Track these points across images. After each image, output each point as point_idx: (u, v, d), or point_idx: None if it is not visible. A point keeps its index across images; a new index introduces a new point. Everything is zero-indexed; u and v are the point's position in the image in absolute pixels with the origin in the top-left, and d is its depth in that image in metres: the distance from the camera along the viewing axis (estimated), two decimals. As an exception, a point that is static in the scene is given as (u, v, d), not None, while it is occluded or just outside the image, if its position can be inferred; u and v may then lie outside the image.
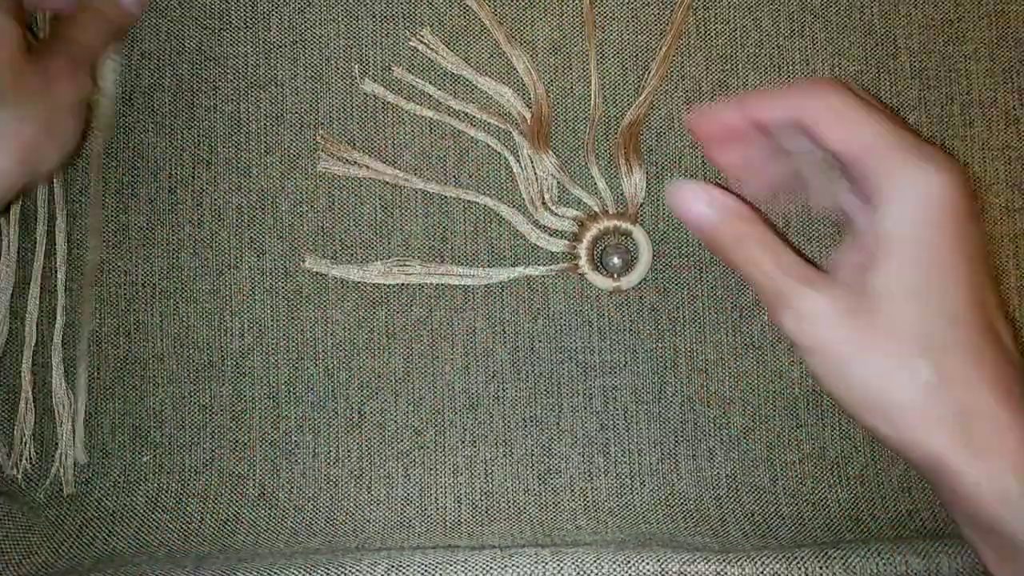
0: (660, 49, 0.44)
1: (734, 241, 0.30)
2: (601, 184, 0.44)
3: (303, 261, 0.44)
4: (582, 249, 0.43)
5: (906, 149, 0.28)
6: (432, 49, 0.45)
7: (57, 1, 0.37)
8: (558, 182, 0.44)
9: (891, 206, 0.28)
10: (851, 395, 0.28)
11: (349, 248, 0.45)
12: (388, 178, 0.44)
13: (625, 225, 0.43)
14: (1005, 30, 0.45)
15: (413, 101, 0.45)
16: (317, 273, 0.44)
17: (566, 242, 0.44)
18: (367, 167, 0.44)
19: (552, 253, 0.44)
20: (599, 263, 0.44)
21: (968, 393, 0.27)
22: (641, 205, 0.44)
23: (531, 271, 0.44)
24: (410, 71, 0.45)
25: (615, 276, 0.43)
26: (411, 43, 0.45)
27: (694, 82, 0.45)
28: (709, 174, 0.44)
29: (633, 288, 0.44)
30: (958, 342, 0.27)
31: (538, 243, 0.44)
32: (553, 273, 0.44)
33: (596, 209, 0.44)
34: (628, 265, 0.43)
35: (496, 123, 0.44)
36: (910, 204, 0.28)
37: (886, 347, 0.27)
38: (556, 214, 0.44)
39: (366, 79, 0.45)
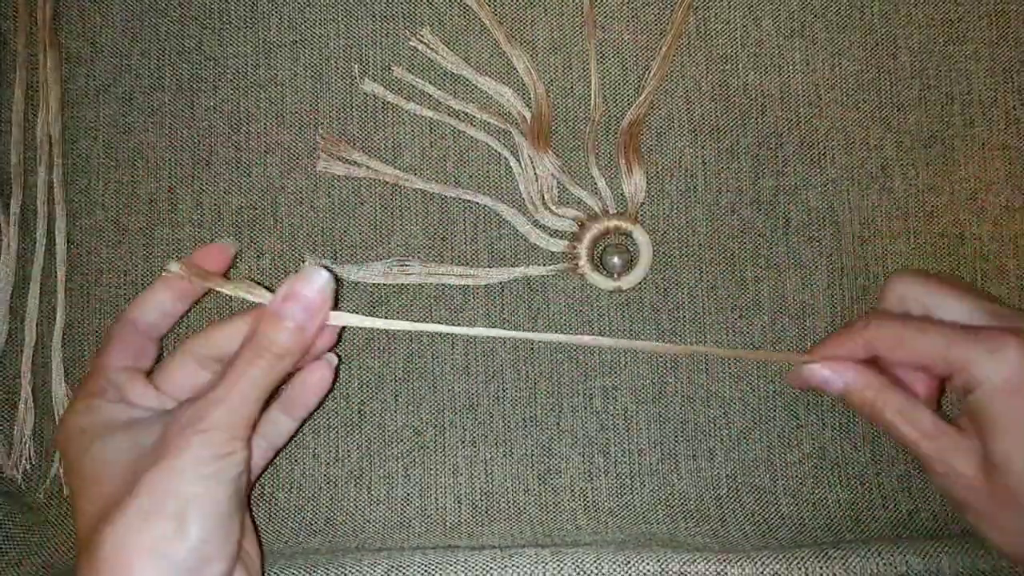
0: (660, 49, 0.44)
1: (880, 408, 0.33)
2: (601, 184, 0.44)
3: (303, 261, 0.44)
4: (582, 249, 0.43)
5: (969, 342, 0.31)
6: (432, 49, 0.45)
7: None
8: (558, 182, 0.44)
9: (977, 394, 0.31)
10: (1004, 538, 0.31)
11: (349, 248, 0.44)
12: (388, 178, 0.44)
13: (625, 225, 0.43)
14: (1005, 30, 0.45)
15: (413, 101, 0.45)
16: (317, 273, 0.44)
17: (566, 242, 0.44)
18: (367, 167, 0.44)
19: (552, 253, 0.44)
20: (599, 263, 0.44)
21: None
22: (641, 205, 0.44)
23: (531, 271, 0.44)
24: (410, 71, 0.45)
25: (615, 276, 0.43)
26: (411, 43, 0.45)
27: (694, 82, 0.45)
28: (709, 174, 0.44)
29: (633, 288, 0.43)
30: None
31: (538, 243, 0.44)
32: (553, 273, 0.44)
33: (596, 209, 0.44)
34: (628, 265, 0.43)
35: (496, 123, 0.44)
36: (993, 388, 0.30)
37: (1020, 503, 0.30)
38: (556, 214, 0.44)
39: (366, 79, 0.45)
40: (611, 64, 0.45)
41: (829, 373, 0.35)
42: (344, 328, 0.43)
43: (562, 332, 0.44)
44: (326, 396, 0.37)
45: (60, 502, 0.43)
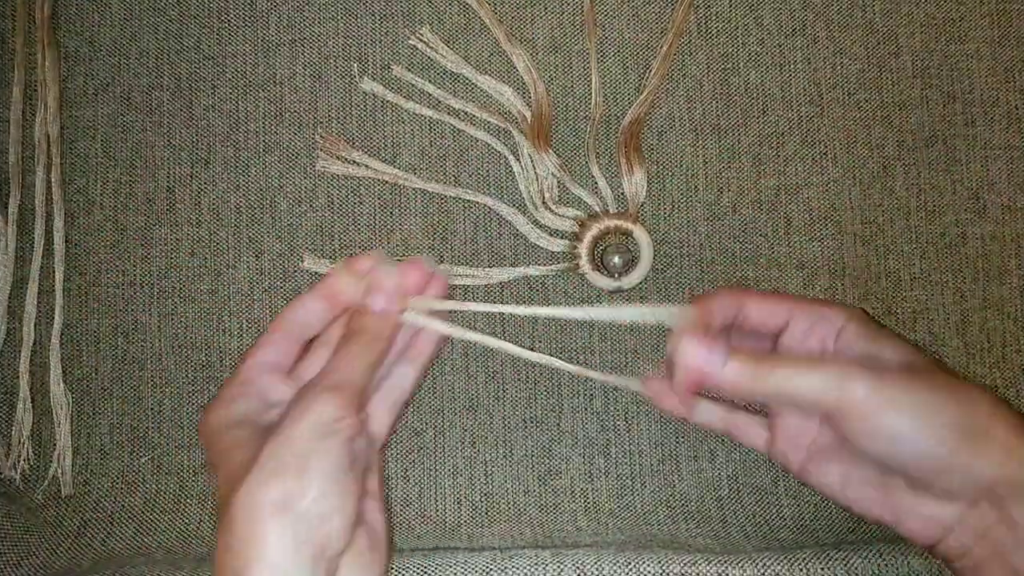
0: (661, 48, 0.44)
1: (758, 378, 0.31)
2: (602, 183, 0.44)
3: (302, 261, 0.44)
4: (583, 249, 0.43)
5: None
6: (431, 47, 0.44)
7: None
8: (559, 181, 0.44)
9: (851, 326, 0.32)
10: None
11: (349, 248, 0.44)
12: (387, 177, 0.44)
13: (626, 225, 0.43)
14: (1007, 29, 0.45)
15: (412, 100, 0.44)
16: (316, 273, 0.44)
17: (566, 242, 0.44)
18: (366, 166, 0.44)
19: (552, 253, 0.44)
20: (599, 263, 0.44)
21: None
22: (642, 205, 0.44)
23: (531, 271, 0.44)
24: (409, 70, 0.45)
25: (616, 276, 0.43)
26: (411, 41, 0.44)
27: (695, 81, 0.45)
28: (710, 173, 0.44)
29: (634, 288, 0.43)
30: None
31: (538, 243, 0.44)
32: (553, 273, 0.44)
33: (596, 209, 0.44)
34: (629, 265, 0.43)
35: (496, 122, 0.44)
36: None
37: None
38: (556, 213, 0.44)
39: (365, 78, 0.44)
40: (612, 63, 0.45)
41: (707, 354, 0.31)
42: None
43: (561, 332, 0.44)
44: (442, 345, 0.37)
45: (58, 503, 0.43)
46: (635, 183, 0.44)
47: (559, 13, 0.45)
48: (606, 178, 0.44)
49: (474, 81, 0.44)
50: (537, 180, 0.44)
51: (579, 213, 0.44)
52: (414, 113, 0.45)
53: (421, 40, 0.44)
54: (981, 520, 0.30)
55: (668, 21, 0.45)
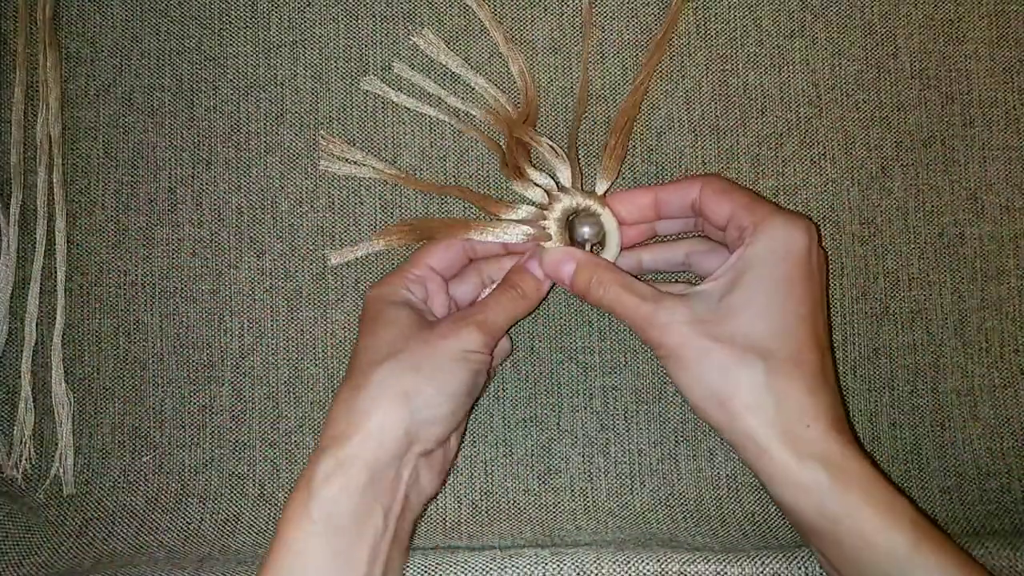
0: (656, 36, 0.44)
1: (597, 286, 0.38)
2: (568, 166, 0.42)
3: (328, 261, 0.44)
4: (552, 219, 0.41)
5: (774, 210, 0.36)
6: (432, 47, 0.45)
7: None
8: (536, 154, 0.43)
9: (756, 245, 0.35)
10: (698, 390, 0.34)
11: (349, 248, 0.44)
12: (388, 177, 0.44)
13: (594, 206, 0.41)
14: (1005, 30, 0.45)
15: (412, 99, 0.45)
16: (318, 273, 0.44)
17: (536, 210, 0.42)
18: (370, 166, 0.44)
19: (524, 220, 0.42)
20: (570, 237, 0.41)
21: (789, 391, 0.33)
22: (608, 191, 0.42)
23: (505, 236, 0.41)
24: (409, 70, 0.45)
25: (588, 246, 0.41)
26: (412, 40, 0.45)
27: (694, 82, 0.45)
28: (709, 172, 0.44)
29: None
30: (789, 353, 0.34)
31: (513, 215, 0.42)
32: (525, 238, 0.41)
33: (566, 184, 0.42)
34: (597, 239, 0.41)
35: (494, 124, 0.44)
36: (771, 244, 0.35)
37: (730, 350, 0.34)
38: (530, 180, 0.42)
39: (365, 77, 0.45)
40: (612, 63, 0.45)
41: (555, 264, 0.39)
42: (344, 327, 0.43)
43: (562, 332, 0.44)
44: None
45: (60, 502, 0.43)
46: (608, 167, 0.42)
47: (559, 15, 0.45)
48: (583, 161, 0.43)
49: (471, 84, 0.44)
50: (507, 161, 0.43)
51: (551, 182, 0.42)
52: (414, 114, 0.45)
53: (422, 39, 0.44)
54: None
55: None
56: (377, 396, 0.35)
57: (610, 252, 0.41)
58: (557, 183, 0.42)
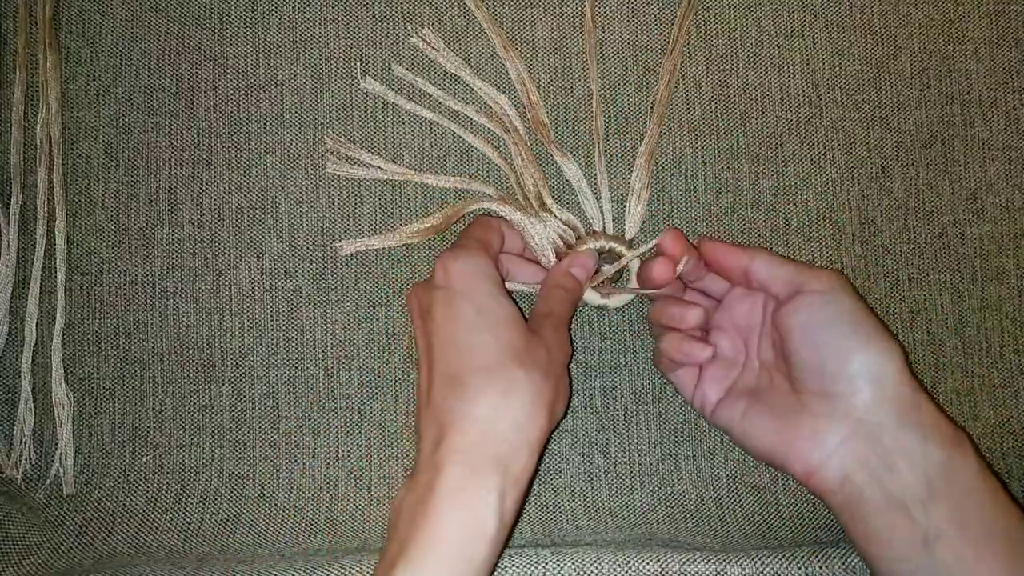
0: (663, 75, 0.44)
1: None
2: (606, 203, 0.44)
3: (340, 251, 0.44)
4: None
5: (805, 268, 0.38)
6: (432, 48, 0.45)
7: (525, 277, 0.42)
8: (560, 183, 0.44)
9: (798, 299, 0.36)
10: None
11: (362, 239, 0.44)
12: (397, 176, 0.44)
13: (619, 248, 0.42)
14: (1005, 30, 0.45)
15: (412, 101, 0.45)
16: (318, 273, 0.44)
17: (562, 246, 0.43)
18: (378, 167, 0.44)
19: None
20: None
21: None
22: (637, 233, 0.44)
23: (517, 286, 0.42)
24: (410, 71, 0.45)
25: (601, 287, 0.42)
26: (412, 40, 0.45)
27: (694, 82, 0.45)
28: (709, 174, 0.44)
29: (619, 309, 0.43)
30: None
31: (532, 243, 0.43)
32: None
33: (595, 226, 0.43)
34: (614, 278, 0.42)
35: (494, 128, 0.44)
36: (812, 292, 0.36)
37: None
38: (559, 218, 0.43)
39: (366, 77, 0.45)
40: (612, 63, 0.45)
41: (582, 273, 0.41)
42: (344, 327, 0.43)
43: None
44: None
45: (60, 502, 0.43)
46: (637, 212, 0.43)
47: (559, 15, 0.45)
48: (609, 198, 0.44)
49: (472, 86, 0.44)
50: (522, 188, 0.44)
51: (578, 225, 0.43)
52: (415, 114, 0.45)
53: (422, 39, 0.44)
54: (858, 448, 0.34)
55: (667, 22, 0.45)
56: (532, 411, 0.34)
57: (629, 293, 0.42)
58: (586, 226, 0.44)
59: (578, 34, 0.45)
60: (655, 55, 0.45)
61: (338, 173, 0.44)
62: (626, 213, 0.44)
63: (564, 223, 0.43)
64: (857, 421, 0.34)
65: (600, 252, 0.42)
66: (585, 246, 0.42)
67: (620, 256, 0.42)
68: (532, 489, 0.43)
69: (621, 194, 0.44)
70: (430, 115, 0.44)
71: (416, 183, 0.44)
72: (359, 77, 0.45)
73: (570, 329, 0.40)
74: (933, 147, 0.44)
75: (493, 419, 0.33)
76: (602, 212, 0.44)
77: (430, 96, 0.45)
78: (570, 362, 0.39)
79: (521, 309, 0.37)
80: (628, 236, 0.43)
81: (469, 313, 0.35)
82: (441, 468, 0.32)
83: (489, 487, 0.32)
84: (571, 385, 0.40)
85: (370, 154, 0.44)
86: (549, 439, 0.37)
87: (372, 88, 0.44)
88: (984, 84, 0.45)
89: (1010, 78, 0.45)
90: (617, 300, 0.42)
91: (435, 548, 0.31)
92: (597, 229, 0.43)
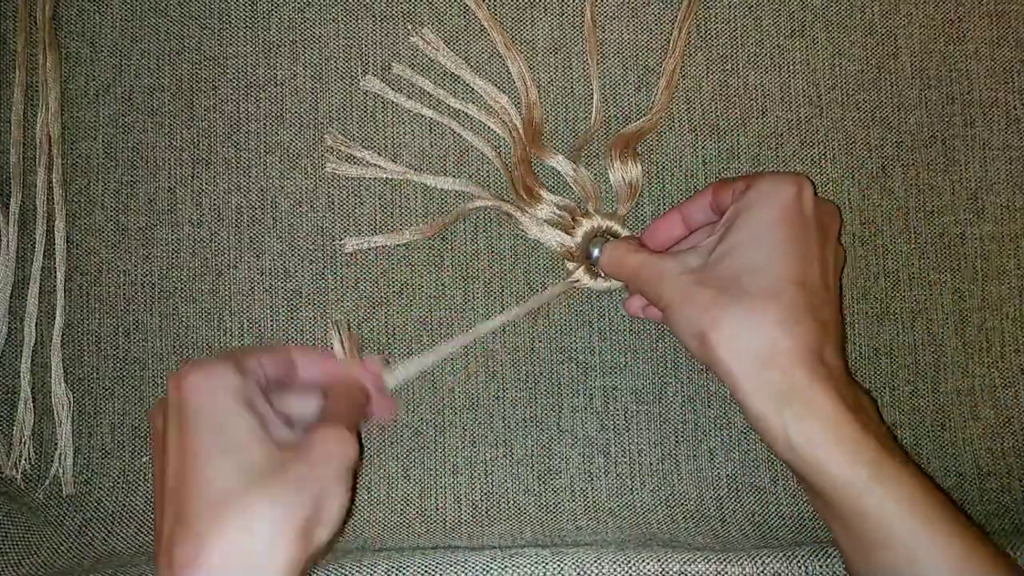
0: (667, 61, 0.44)
1: (614, 261, 0.40)
2: (587, 184, 0.44)
3: (344, 248, 0.44)
4: (575, 246, 0.43)
5: (768, 172, 0.38)
6: (432, 47, 0.44)
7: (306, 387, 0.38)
8: (553, 175, 0.44)
9: (746, 196, 0.36)
10: (686, 330, 0.35)
11: (366, 237, 0.44)
12: (396, 175, 0.44)
13: (615, 227, 0.43)
14: (1006, 30, 0.45)
15: (413, 99, 0.45)
16: (317, 273, 0.44)
17: (562, 232, 0.44)
18: (378, 166, 0.44)
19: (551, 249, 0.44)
20: (584, 256, 0.43)
21: (761, 324, 0.33)
22: (631, 208, 0.44)
23: (514, 314, 0.43)
24: (409, 70, 0.45)
25: (598, 270, 0.42)
26: (412, 40, 0.44)
27: (694, 82, 0.45)
28: (709, 174, 0.44)
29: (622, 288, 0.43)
30: (764, 287, 0.34)
31: (538, 236, 0.43)
32: (565, 290, 0.43)
33: (589, 208, 0.44)
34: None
35: (494, 127, 0.44)
36: (758, 194, 0.36)
37: (713, 291, 0.34)
38: (555, 204, 0.44)
39: (367, 76, 0.44)
40: (612, 63, 0.45)
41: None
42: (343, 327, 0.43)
43: (562, 332, 0.44)
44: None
45: (59, 502, 0.43)
46: (629, 180, 0.44)
47: (559, 14, 0.45)
48: (598, 178, 0.44)
49: (472, 86, 0.44)
50: (515, 183, 0.44)
51: (572, 205, 0.44)
52: (415, 114, 0.45)
53: (422, 39, 0.44)
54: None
55: (667, 21, 0.45)
56: (276, 545, 0.29)
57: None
58: (578, 206, 0.44)
59: (578, 34, 0.45)
60: (655, 55, 0.45)
61: (337, 172, 0.44)
62: (616, 188, 0.44)
63: (558, 207, 0.43)
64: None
65: (596, 232, 0.43)
66: (580, 228, 0.43)
67: (616, 235, 0.43)
68: (532, 488, 0.43)
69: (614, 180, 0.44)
70: (430, 113, 0.44)
71: (416, 183, 0.44)
72: (360, 76, 0.45)
73: (359, 431, 0.36)
74: (934, 147, 0.44)
75: (228, 566, 0.29)
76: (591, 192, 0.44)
77: (430, 95, 0.45)
78: (359, 463, 0.35)
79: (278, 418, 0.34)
80: (621, 212, 0.44)
81: (203, 435, 0.31)
82: None
83: None
84: (354, 490, 0.36)
85: (370, 152, 0.44)
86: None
87: (372, 87, 0.44)
88: (985, 84, 0.45)
89: (1011, 78, 0.45)
90: (605, 282, 0.43)
91: None
92: (590, 210, 0.44)
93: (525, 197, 0.44)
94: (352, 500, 0.35)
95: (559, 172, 0.44)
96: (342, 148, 0.44)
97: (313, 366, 0.38)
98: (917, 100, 0.45)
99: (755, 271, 0.34)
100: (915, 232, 0.44)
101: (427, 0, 0.45)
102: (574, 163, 0.44)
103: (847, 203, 0.44)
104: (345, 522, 0.34)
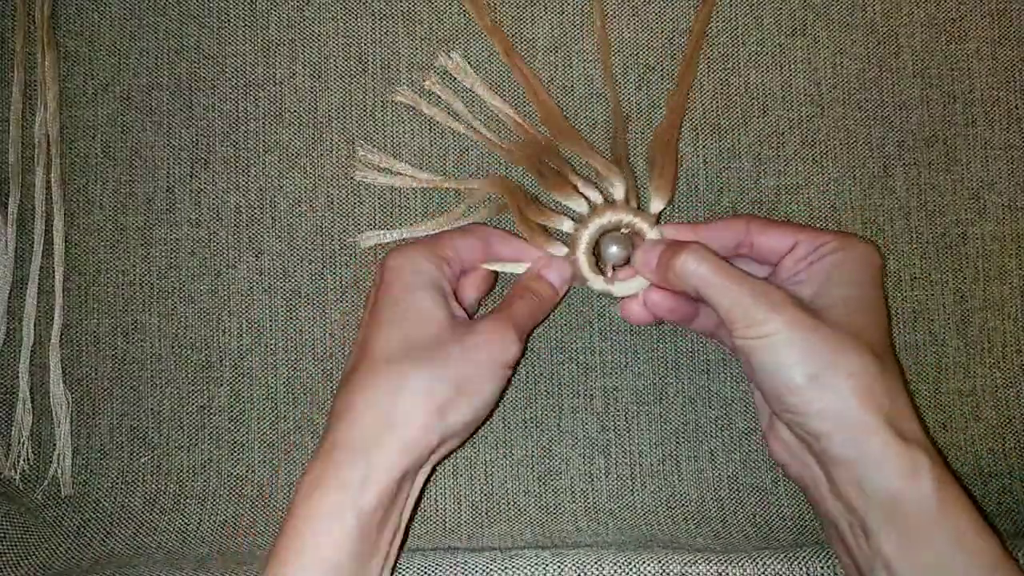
0: (685, 53, 0.44)
1: (690, 261, 0.36)
2: (620, 180, 0.42)
3: (358, 246, 0.44)
4: (584, 234, 0.40)
5: (845, 234, 0.37)
6: (461, 73, 0.44)
7: (478, 287, 0.40)
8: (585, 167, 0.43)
9: (842, 254, 0.36)
10: (800, 368, 0.33)
11: (348, 248, 0.44)
12: (426, 184, 0.44)
13: (641, 224, 0.40)
14: (1007, 29, 0.45)
15: (432, 107, 0.44)
16: (317, 273, 0.44)
17: (570, 221, 0.41)
18: (411, 177, 0.44)
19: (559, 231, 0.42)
20: (595, 253, 0.40)
21: (894, 380, 0.33)
22: (663, 211, 0.42)
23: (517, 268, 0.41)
24: (412, 72, 0.44)
25: (609, 268, 0.40)
26: (439, 63, 0.44)
27: (696, 81, 0.44)
28: (710, 173, 0.44)
29: (624, 297, 0.40)
30: (885, 348, 0.34)
31: (548, 222, 0.41)
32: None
33: (616, 197, 0.41)
34: (623, 261, 0.39)
35: (524, 133, 0.43)
36: (855, 255, 0.36)
37: (842, 333, 0.33)
38: (580, 192, 0.41)
39: (400, 89, 0.44)
40: (612, 62, 0.45)
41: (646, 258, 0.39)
42: (343, 327, 0.43)
43: (563, 333, 0.44)
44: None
45: (58, 503, 0.43)
46: (660, 187, 0.41)
47: (560, 13, 0.45)
48: (633, 176, 0.42)
49: (493, 109, 0.43)
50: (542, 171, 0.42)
51: (597, 194, 0.41)
52: (413, 112, 0.44)
53: (451, 61, 0.44)
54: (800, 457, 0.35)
55: (668, 20, 0.45)
56: (411, 409, 0.33)
57: (636, 282, 0.39)
58: (606, 197, 0.41)
59: (579, 32, 0.45)
60: (656, 53, 0.45)
61: (366, 182, 0.44)
62: (649, 187, 0.41)
63: (585, 197, 0.41)
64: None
65: (618, 227, 0.40)
66: (598, 219, 0.40)
67: (639, 233, 0.40)
68: (532, 489, 0.43)
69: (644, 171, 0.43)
70: (461, 128, 0.43)
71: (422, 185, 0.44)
72: (356, 76, 0.44)
73: (528, 337, 0.38)
74: (935, 146, 0.44)
75: (368, 415, 0.33)
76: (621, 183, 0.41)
77: (454, 108, 0.44)
78: (515, 368, 0.37)
79: (468, 312, 0.38)
80: (654, 211, 0.41)
81: (384, 308, 0.35)
82: (313, 461, 0.33)
83: (342, 482, 0.32)
84: (505, 389, 0.37)
85: (403, 164, 0.44)
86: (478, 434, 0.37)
87: (404, 99, 0.44)
88: (986, 83, 0.44)
89: (1012, 77, 0.45)
90: (622, 288, 0.40)
91: (291, 545, 0.31)
92: (619, 199, 0.41)
93: (557, 186, 0.41)
94: (498, 402, 0.37)
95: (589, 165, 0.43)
96: (372, 159, 0.44)
97: (507, 244, 0.40)
98: (919, 99, 0.44)
99: (873, 329, 0.34)
100: (917, 232, 0.44)
101: (427, 0, 0.45)
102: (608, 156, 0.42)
103: (848, 202, 0.44)
104: (484, 420, 0.36)
